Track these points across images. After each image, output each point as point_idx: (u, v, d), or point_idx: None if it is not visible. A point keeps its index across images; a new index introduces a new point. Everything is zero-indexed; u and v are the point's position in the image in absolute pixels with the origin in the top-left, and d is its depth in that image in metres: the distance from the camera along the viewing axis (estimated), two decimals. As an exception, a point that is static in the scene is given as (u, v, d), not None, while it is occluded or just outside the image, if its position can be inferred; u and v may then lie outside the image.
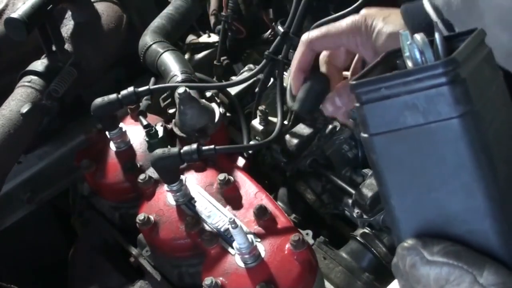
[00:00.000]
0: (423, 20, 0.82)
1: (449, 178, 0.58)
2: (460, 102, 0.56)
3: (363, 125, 0.61)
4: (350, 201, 1.33)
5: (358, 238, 1.34)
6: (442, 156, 0.58)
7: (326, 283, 1.22)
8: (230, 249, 1.13)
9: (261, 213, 1.15)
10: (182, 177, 1.24)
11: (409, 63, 0.61)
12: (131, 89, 1.33)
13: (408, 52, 0.60)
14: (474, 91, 0.57)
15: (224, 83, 1.56)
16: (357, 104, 0.61)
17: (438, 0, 0.80)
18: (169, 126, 1.40)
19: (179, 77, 1.44)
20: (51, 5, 1.42)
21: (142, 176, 1.28)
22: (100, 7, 1.67)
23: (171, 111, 1.51)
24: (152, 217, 1.22)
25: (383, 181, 0.61)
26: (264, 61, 1.45)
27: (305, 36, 0.93)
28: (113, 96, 1.32)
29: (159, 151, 1.19)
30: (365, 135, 0.61)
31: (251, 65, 1.63)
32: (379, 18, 0.87)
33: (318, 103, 0.96)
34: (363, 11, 0.89)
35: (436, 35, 0.60)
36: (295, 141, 1.43)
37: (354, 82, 0.61)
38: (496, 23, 0.73)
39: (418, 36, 0.59)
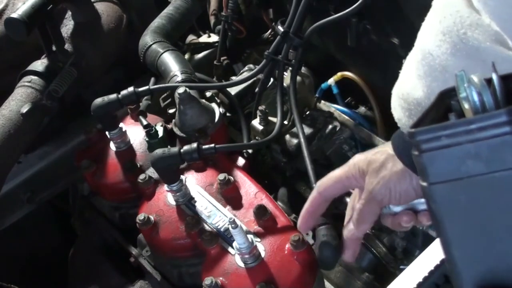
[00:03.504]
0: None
1: None
2: None
3: (421, 174, 0.59)
4: (350, 201, 1.33)
5: (358, 238, 1.33)
6: (507, 206, 0.56)
7: (326, 283, 1.23)
8: (230, 249, 1.13)
9: (261, 213, 1.15)
10: (182, 177, 1.24)
11: (466, 105, 0.58)
12: (131, 89, 1.33)
13: (465, 93, 0.58)
14: None
15: (224, 83, 1.56)
16: (416, 153, 0.59)
17: None
18: (169, 126, 1.40)
19: (179, 77, 1.44)
20: (51, 5, 1.42)
21: (142, 176, 1.28)
22: (100, 7, 1.67)
23: (171, 111, 1.51)
24: (152, 217, 1.22)
25: (444, 231, 0.59)
26: (264, 61, 1.45)
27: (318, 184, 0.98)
28: (113, 96, 1.32)
29: (159, 151, 1.19)
30: (424, 184, 0.59)
31: (251, 65, 1.63)
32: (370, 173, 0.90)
33: (339, 254, 1.01)
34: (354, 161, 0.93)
35: (494, 76, 0.58)
36: (295, 141, 1.43)
37: (413, 130, 0.58)
38: None
39: (475, 78, 0.57)
